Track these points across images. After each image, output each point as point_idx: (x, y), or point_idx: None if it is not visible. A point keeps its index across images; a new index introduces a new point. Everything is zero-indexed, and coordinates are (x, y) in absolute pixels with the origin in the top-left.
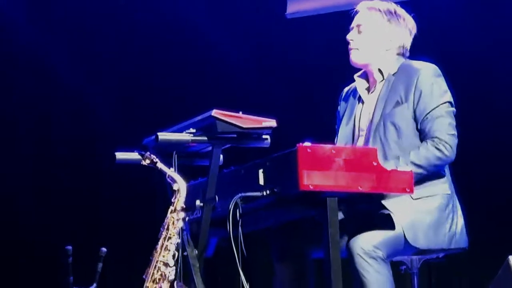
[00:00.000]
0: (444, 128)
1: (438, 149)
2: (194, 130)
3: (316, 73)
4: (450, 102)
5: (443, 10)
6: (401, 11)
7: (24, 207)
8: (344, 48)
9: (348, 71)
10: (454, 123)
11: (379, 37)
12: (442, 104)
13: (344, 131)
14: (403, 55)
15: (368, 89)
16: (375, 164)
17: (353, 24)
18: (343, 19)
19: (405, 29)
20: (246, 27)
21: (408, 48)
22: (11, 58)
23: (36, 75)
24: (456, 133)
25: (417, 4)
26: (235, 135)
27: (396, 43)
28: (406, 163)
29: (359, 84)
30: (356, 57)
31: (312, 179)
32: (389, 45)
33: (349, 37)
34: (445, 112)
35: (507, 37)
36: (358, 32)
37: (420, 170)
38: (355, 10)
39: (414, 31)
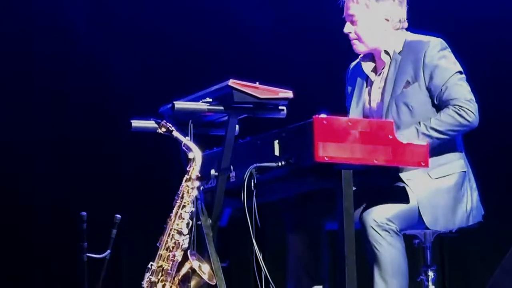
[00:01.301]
0: (463, 94)
1: (460, 115)
2: (210, 100)
3: (335, 46)
4: (460, 72)
5: None
6: None
7: (41, 173)
8: None
9: None
10: (469, 89)
11: (374, 22)
12: (454, 73)
13: (354, 113)
14: (402, 28)
15: (375, 70)
16: (390, 137)
17: (345, 16)
18: None
19: (394, 2)
20: None
21: (405, 18)
22: (30, 22)
23: (55, 41)
24: (474, 98)
25: None
26: (251, 105)
27: (392, 19)
28: (427, 128)
29: (366, 67)
30: (359, 47)
31: (327, 151)
32: (386, 24)
33: (346, 30)
34: (458, 79)
35: None
36: (352, 23)
37: (442, 136)
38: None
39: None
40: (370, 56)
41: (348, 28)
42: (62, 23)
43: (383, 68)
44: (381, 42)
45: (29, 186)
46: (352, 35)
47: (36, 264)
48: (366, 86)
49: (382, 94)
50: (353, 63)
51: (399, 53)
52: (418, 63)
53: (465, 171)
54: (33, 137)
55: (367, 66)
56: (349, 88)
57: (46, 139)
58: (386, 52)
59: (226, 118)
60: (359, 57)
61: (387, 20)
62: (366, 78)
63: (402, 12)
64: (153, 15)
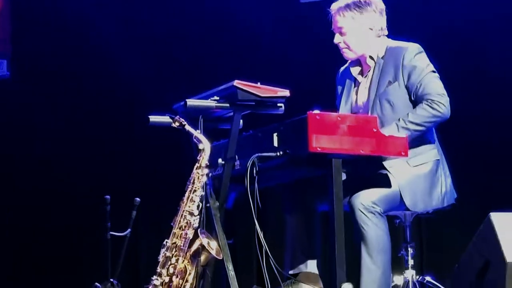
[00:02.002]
0: (435, 90)
1: (433, 108)
2: (217, 98)
3: (327, 51)
4: (433, 71)
5: None
6: None
7: (70, 162)
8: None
9: None
10: (442, 85)
11: (360, 32)
12: (428, 72)
13: (343, 110)
14: (383, 35)
15: (362, 73)
16: (375, 130)
17: (334, 28)
18: None
19: (375, 12)
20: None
21: (385, 26)
22: (57, 20)
23: (78, 39)
24: (446, 93)
25: None
26: (254, 103)
27: (374, 28)
28: (405, 122)
29: (354, 70)
30: (349, 55)
31: (320, 142)
32: (370, 33)
33: (336, 41)
34: (432, 77)
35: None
36: (341, 34)
37: (418, 128)
38: (330, 13)
39: (383, 8)
40: (357, 61)
41: (337, 38)
42: (80, 24)
43: (368, 71)
44: (367, 49)
45: (60, 173)
46: (341, 45)
47: (66, 242)
48: (354, 87)
49: (368, 93)
50: (342, 68)
51: (382, 57)
52: (398, 65)
53: (438, 159)
54: (62, 128)
55: (355, 70)
56: (339, 88)
57: (76, 134)
58: (371, 57)
59: (231, 114)
60: (348, 62)
61: (371, 29)
62: (354, 80)
63: (382, 21)
64: (169, 21)
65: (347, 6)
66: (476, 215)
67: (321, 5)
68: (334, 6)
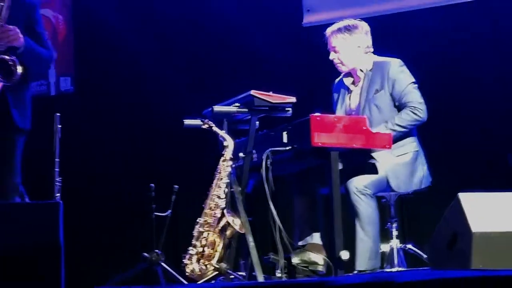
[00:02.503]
0: (416, 98)
1: (414, 113)
2: (238, 104)
3: (322, 66)
4: (414, 82)
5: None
6: (353, 22)
7: (124, 157)
8: None
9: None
10: (420, 94)
11: (350, 49)
12: (410, 84)
13: (339, 113)
14: (370, 52)
15: (354, 83)
16: (364, 128)
17: (329, 48)
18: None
19: (362, 33)
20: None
21: (371, 44)
22: (109, 42)
23: (124, 58)
24: (423, 101)
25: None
26: (267, 108)
27: (362, 46)
28: (392, 125)
29: (346, 81)
30: (343, 68)
31: (320, 139)
32: (359, 50)
33: (331, 57)
34: (413, 88)
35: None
36: (335, 52)
37: (403, 129)
38: (325, 36)
39: (369, 30)
40: (349, 73)
41: (332, 56)
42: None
43: (359, 81)
44: (357, 63)
45: (117, 166)
46: (336, 61)
47: (121, 220)
48: (347, 94)
49: (359, 99)
50: (337, 79)
51: (370, 70)
52: (384, 76)
53: (417, 151)
54: (116, 132)
55: (348, 80)
56: (335, 95)
57: (127, 136)
58: (361, 70)
59: (249, 117)
60: (342, 74)
61: (359, 47)
62: (347, 89)
63: (368, 39)
64: (196, 41)
65: (339, 30)
66: (447, 195)
67: (319, 28)
68: (328, 30)
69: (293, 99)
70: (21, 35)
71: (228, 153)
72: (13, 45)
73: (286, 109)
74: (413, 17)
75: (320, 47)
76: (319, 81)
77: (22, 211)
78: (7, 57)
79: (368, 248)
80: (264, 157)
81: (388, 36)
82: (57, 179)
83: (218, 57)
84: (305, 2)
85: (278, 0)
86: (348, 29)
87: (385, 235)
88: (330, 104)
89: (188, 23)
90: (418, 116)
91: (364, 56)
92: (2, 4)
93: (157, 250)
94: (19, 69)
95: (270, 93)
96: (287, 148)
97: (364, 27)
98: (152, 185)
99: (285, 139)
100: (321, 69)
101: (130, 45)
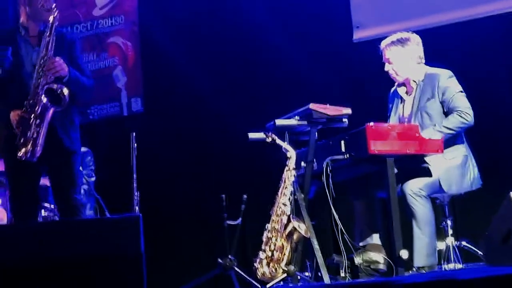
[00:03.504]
0: (463, 103)
1: (461, 116)
2: (298, 117)
3: (375, 79)
4: (461, 91)
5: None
6: (405, 34)
7: (198, 170)
8: None
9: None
10: (467, 101)
11: (404, 61)
12: (458, 91)
13: (393, 120)
14: (422, 62)
15: (407, 92)
16: (417, 135)
17: (384, 60)
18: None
19: (414, 45)
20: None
21: (423, 55)
22: (174, 66)
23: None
24: (471, 107)
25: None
26: (325, 120)
27: (415, 57)
28: (440, 126)
29: (400, 90)
30: (397, 79)
31: (376, 146)
32: (412, 61)
33: (386, 69)
34: (460, 95)
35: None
36: (390, 63)
37: (450, 131)
38: (380, 49)
39: (420, 41)
40: (403, 84)
41: (387, 67)
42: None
43: (411, 91)
44: (410, 73)
45: (192, 180)
46: (391, 72)
47: (196, 229)
48: (401, 103)
49: (412, 107)
50: (392, 89)
51: (422, 80)
52: (434, 86)
53: (467, 155)
54: (187, 146)
55: (401, 90)
56: (390, 105)
57: (199, 152)
58: (414, 81)
59: (309, 129)
60: (395, 84)
61: (412, 58)
62: (401, 98)
63: (420, 51)
64: (256, 66)
65: (392, 42)
66: (498, 195)
67: (372, 43)
68: (382, 43)
69: (348, 111)
70: (65, 66)
71: (291, 163)
72: (60, 75)
73: (343, 120)
74: (462, 28)
75: (370, 61)
76: (373, 92)
77: (106, 225)
78: (55, 86)
79: (425, 245)
80: (324, 165)
81: (437, 47)
82: (135, 194)
83: (276, 74)
84: (354, 19)
85: (329, 19)
86: (400, 41)
87: (440, 234)
88: (381, 113)
89: (246, 44)
90: (465, 119)
91: (416, 66)
92: (48, 39)
93: (230, 256)
94: (66, 95)
95: (327, 105)
96: (345, 156)
97: (416, 39)
98: (223, 195)
99: (343, 148)
100: (375, 81)
101: (193, 66)
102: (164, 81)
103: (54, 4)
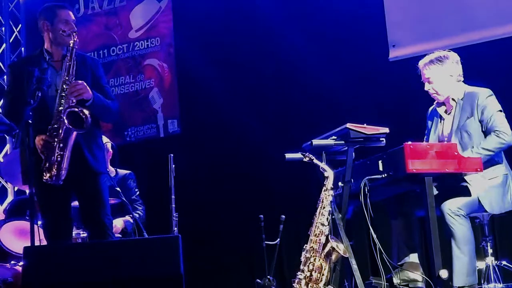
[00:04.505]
0: (501, 123)
1: (499, 137)
2: (335, 137)
3: (412, 97)
4: (500, 110)
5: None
6: (443, 53)
7: (234, 193)
8: None
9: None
10: (506, 120)
11: (443, 79)
12: (497, 111)
13: (432, 138)
14: (460, 80)
15: (446, 111)
16: (456, 153)
17: (423, 79)
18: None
19: (453, 63)
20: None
21: (461, 73)
22: (209, 87)
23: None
24: (509, 126)
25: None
26: (362, 139)
27: (454, 75)
28: (478, 148)
29: (440, 109)
30: (438, 98)
31: (415, 165)
32: (451, 79)
33: (426, 88)
34: (499, 115)
35: None
36: (429, 83)
37: (489, 152)
38: (418, 68)
39: (459, 59)
40: (442, 103)
41: (427, 86)
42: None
43: (451, 110)
44: (450, 92)
45: (230, 203)
46: (431, 91)
47: (235, 250)
48: (440, 121)
49: (451, 126)
50: (431, 108)
51: (461, 99)
52: (474, 105)
53: (507, 174)
54: (224, 169)
55: (441, 109)
56: (429, 123)
57: (236, 173)
58: (453, 100)
59: (346, 148)
60: (435, 103)
61: (451, 76)
62: (440, 117)
63: (459, 69)
64: (284, 90)
65: (431, 61)
66: None
67: (409, 61)
68: (421, 63)
69: (386, 130)
70: (89, 89)
71: (329, 183)
72: (83, 98)
73: (380, 139)
74: (501, 46)
75: (406, 80)
76: (408, 111)
77: (147, 245)
78: (75, 109)
79: (465, 265)
80: (362, 185)
81: (476, 65)
82: (174, 215)
83: (312, 94)
84: (390, 38)
85: (365, 38)
86: (439, 60)
87: (480, 254)
88: (418, 132)
89: (282, 65)
90: (503, 139)
91: (456, 84)
92: (69, 63)
93: (269, 276)
94: (88, 117)
95: (364, 125)
96: (383, 175)
97: (454, 57)
98: (261, 216)
99: (380, 167)
100: (407, 100)
101: (228, 87)
102: (200, 102)
103: (74, 29)
